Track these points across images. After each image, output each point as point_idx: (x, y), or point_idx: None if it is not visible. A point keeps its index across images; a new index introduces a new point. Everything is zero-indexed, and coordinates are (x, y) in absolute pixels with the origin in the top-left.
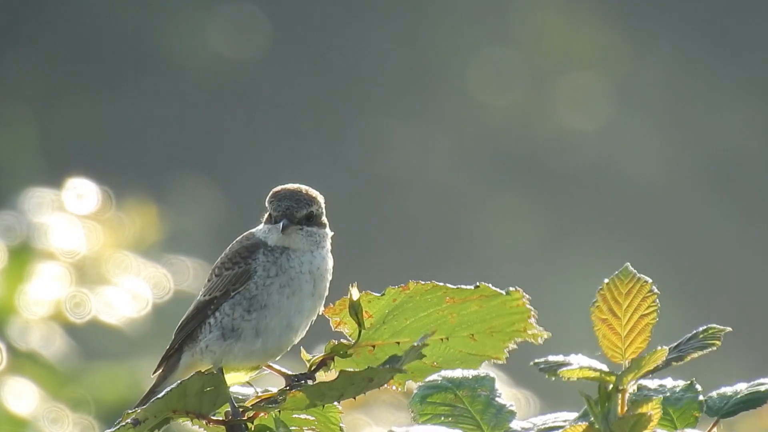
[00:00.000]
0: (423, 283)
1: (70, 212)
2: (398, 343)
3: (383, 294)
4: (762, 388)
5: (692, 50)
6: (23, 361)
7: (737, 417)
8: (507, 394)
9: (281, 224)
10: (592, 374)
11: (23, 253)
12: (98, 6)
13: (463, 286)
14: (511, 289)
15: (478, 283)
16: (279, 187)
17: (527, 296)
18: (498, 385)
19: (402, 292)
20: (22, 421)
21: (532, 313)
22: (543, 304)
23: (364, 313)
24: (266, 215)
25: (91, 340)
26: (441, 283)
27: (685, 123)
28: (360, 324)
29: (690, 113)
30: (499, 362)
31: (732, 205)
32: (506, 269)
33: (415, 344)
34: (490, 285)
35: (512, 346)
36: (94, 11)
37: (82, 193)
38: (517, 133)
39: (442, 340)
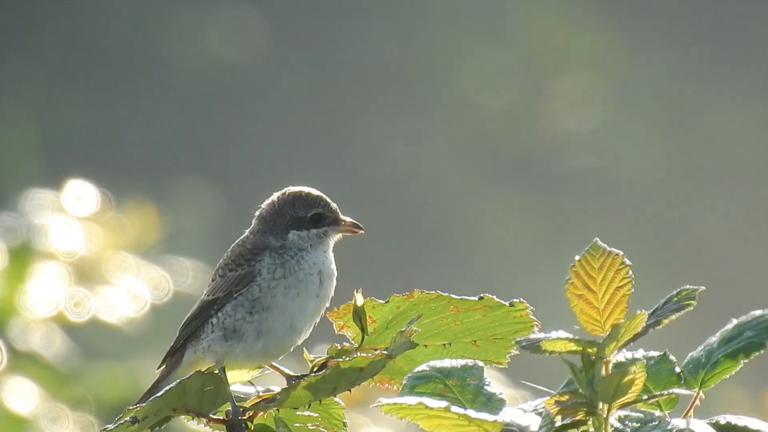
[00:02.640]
0: (428, 292)
1: (70, 213)
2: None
3: (387, 301)
4: (731, 348)
5: (689, 50)
6: (23, 361)
7: (736, 408)
8: (505, 395)
9: (346, 224)
10: (574, 345)
11: (23, 254)
12: (98, 7)
13: (467, 297)
14: (515, 300)
15: (482, 295)
16: (304, 191)
17: (531, 308)
18: (488, 374)
19: (406, 300)
20: (22, 420)
21: (536, 323)
22: (541, 304)
23: (367, 318)
24: (296, 220)
25: (90, 340)
26: (445, 294)
27: (682, 123)
28: (363, 329)
29: (687, 114)
30: (501, 366)
31: (729, 205)
32: (504, 269)
33: (402, 330)
34: (494, 297)
35: (514, 351)
36: (95, 12)
37: (81, 194)
38: (515, 134)
39: (444, 345)
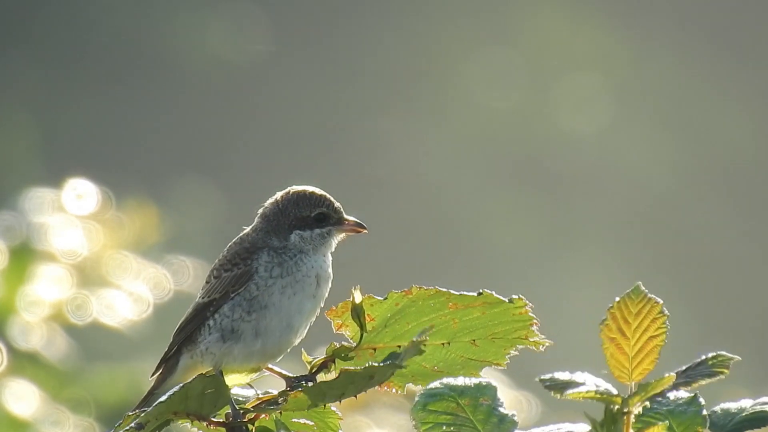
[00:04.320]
0: (426, 288)
1: (70, 213)
2: (399, 346)
3: (386, 298)
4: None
5: (693, 52)
6: (24, 363)
7: None
8: (509, 396)
9: (350, 224)
10: (599, 396)
11: (23, 254)
12: (99, 7)
13: (466, 293)
14: (514, 297)
15: (481, 290)
16: (308, 190)
17: (530, 304)
18: (500, 390)
19: (405, 296)
20: (22, 422)
21: (535, 321)
22: (541, 306)
23: (366, 316)
24: (299, 220)
25: (91, 342)
26: (444, 289)
27: (686, 125)
28: (362, 327)
29: (691, 115)
30: (500, 368)
31: (733, 207)
32: (506, 271)
33: (414, 339)
34: (494, 292)
35: (513, 352)
36: (95, 12)
37: (82, 193)
38: (520, 135)
39: (443, 344)
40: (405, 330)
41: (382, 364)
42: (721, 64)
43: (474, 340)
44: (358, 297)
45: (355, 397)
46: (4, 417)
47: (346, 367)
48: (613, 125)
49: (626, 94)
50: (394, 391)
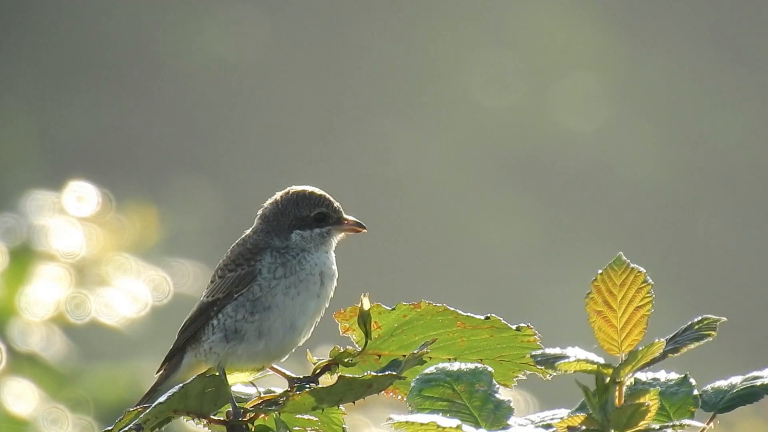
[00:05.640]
0: (435, 304)
1: (71, 214)
2: (404, 356)
3: (394, 308)
4: (758, 383)
5: (690, 51)
6: (23, 362)
7: (738, 417)
8: (504, 395)
9: (349, 223)
10: (590, 367)
11: (24, 255)
12: (98, 8)
13: (474, 315)
14: (522, 325)
15: (488, 315)
16: (307, 190)
17: (538, 334)
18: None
19: (413, 309)
20: (22, 421)
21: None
22: (540, 303)
23: (373, 323)
24: (299, 220)
25: (90, 342)
26: (452, 308)
27: (682, 124)
28: (367, 334)
29: (687, 114)
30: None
31: (729, 205)
32: (505, 269)
33: (415, 352)
34: (501, 318)
35: (521, 376)
36: (94, 14)
37: (82, 195)
38: (516, 134)
39: (450, 360)
40: (412, 341)
41: (381, 374)
42: (718, 63)
43: (481, 360)
44: (366, 304)
45: (353, 402)
46: (4, 416)
47: (345, 374)
48: (611, 124)
49: (624, 93)
50: (399, 398)
